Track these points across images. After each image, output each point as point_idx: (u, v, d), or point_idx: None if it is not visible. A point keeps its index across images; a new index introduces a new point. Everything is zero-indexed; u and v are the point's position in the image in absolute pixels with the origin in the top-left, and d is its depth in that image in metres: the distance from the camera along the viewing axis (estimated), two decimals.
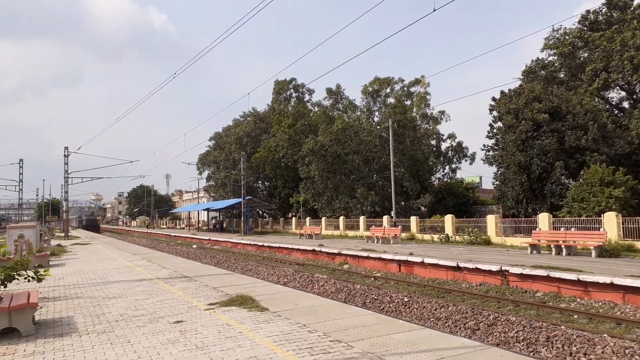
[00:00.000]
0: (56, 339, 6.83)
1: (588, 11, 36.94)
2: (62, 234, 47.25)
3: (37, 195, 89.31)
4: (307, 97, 62.55)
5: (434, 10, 10.53)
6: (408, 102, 51.89)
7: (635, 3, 34.88)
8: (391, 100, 49.44)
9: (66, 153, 42.40)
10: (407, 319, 11.70)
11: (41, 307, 9.15)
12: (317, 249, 26.48)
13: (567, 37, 37.05)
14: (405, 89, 52.17)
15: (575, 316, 11.31)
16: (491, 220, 27.16)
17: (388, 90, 50.34)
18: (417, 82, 52.78)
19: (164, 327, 7.38)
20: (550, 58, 38.79)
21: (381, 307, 13.67)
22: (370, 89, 49.18)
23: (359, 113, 50.62)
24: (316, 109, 56.78)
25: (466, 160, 53.09)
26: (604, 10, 36.55)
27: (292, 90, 62.47)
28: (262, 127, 59.57)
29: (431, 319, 11.89)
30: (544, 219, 23.61)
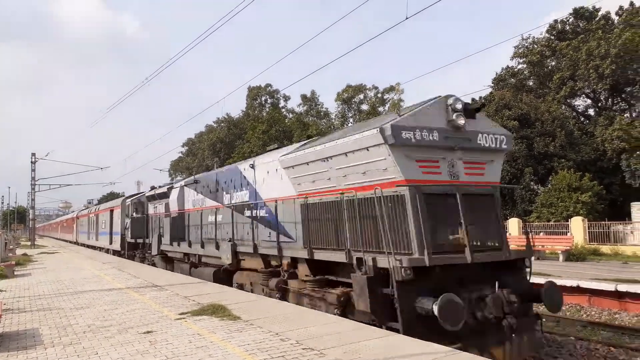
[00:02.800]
0: (20, 352, 6.61)
1: (556, 21, 38.14)
2: (29, 243, 45.88)
3: (1, 202, 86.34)
4: (282, 103, 62.62)
5: (406, 18, 10.56)
6: (382, 109, 52.44)
7: (600, 14, 36.13)
8: (365, 107, 49.89)
9: (33, 159, 41.30)
10: None
11: (5, 319, 8.85)
12: None
13: (535, 46, 38.07)
14: (379, 95, 52.75)
15: (544, 319, 11.54)
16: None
17: (362, 97, 50.80)
18: (391, 89, 53.45)
19: (134, 337, 7.23)
20: (520, 66, 39.81)
21: None
22: (345, 96, 49.53)
23: (333, 119, 50.94)
24: (291, 115, 56.82)
25: None
26: (571, 20, 37.73)
27: (267, 96, 62.43)
28: (236, 133, 59.25)
29: None
30: (513, 224, 24.07)
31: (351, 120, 49.77)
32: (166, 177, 64.18)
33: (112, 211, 29.36)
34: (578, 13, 36.92)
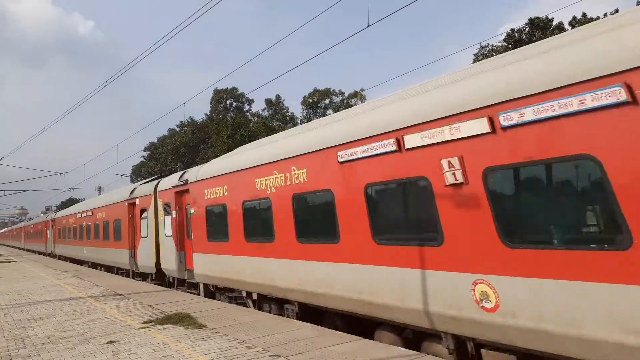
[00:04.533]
0: None
1: (513, 30, 39.43)
2: None
3: None
4: (246, 107, 62.25)
5: (368, 26, 10.82)
6: None
7: (554, 24, 37.64)
8: (331, 111, 50.25)
9: None
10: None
11: None
12: None
13: (494, 54, 39.26)
14: (345, 101, 53.25)
15: None
16: None
17: (327, 101, 51.15)
18: (355, 94, 54.04)
19: (95, 348, 7.08)
20: None
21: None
22: (310, 100, 49.76)
23: (299, 124, 51.07)
24: (256, 119, 56.64)
25: None
26: (527, 29, 39.13)
27: (231, 100, 61.97)
28: (200, 137, 58.49)
29: None
30: None
31: None
32: (127, 183, 62.68)
33: None
34: (533, 23, 38.38)
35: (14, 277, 19.58)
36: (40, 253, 42.21)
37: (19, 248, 58.94)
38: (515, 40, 39.04)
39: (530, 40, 38.12)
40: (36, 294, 13.83)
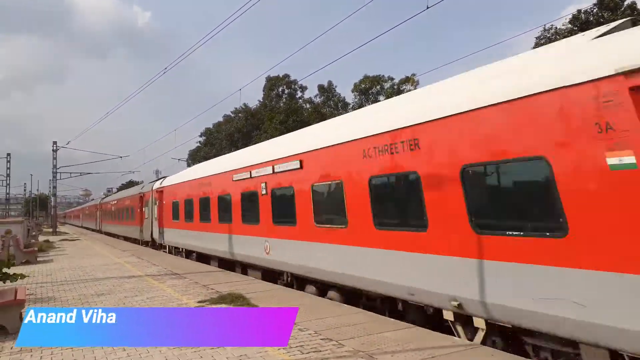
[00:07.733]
0: None
1: (579, 11, 37.30)
2: (50, 230, 46.76)
3: (24, 190, 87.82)
4: (299, 94, 62.48)
5: (427, 7, 10.49)
6: None
7: (625, 4, 35.26)
8: (382, 97, 49.66)
9: (55, 148, 41.94)
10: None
11: (28, 305, 9.04)
12: None
13: (558, 37, 37.31)
14: (396, 87, 52.40)
15: None
16: None
17: (379, 87, 50.50)
18: (407, 80, 53.01)
19: None
20: None
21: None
22: (362, 87, 49.29)
23: (351, 110, 50.78)
24: (308, 105, 56.79)
25: None
26: (595, 10, 36.89)
27: (284, 87, 62.38)
28: (253, 123, 59.35)
29: None
30: None
31: None
32: (184, 167, 64.71)
33: None
34: (602, 3, 36.10)
35: (79, 255, 20.70)
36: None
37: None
38: (581, 22, 36.92)
39: (598, 22, 35.93)
40: (99, 271, 14.52)
